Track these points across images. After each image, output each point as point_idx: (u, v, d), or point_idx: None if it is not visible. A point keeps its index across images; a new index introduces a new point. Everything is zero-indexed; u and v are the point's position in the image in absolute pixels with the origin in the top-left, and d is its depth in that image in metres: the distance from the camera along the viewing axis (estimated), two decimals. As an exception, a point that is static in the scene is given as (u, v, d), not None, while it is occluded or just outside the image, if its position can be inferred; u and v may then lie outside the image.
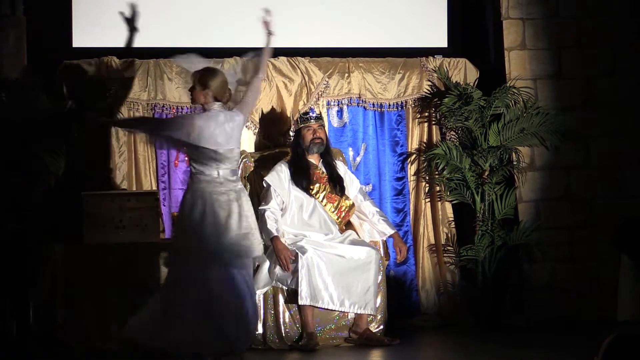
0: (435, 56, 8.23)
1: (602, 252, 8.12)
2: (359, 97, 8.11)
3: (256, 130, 7.92)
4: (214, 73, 6.52)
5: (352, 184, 7.55)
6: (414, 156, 8.19)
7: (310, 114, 7.46)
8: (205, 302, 6.18)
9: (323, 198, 7.38)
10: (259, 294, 7.17)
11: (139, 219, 7.11)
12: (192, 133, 6.30)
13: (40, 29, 7.66)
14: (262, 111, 7.94)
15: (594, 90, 8.27)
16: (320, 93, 8.02)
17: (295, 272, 7.06)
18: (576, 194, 8.25)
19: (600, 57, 8.28)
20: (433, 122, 8.19)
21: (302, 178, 7.34)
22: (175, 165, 7.83)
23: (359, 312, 7.17)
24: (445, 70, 8.08)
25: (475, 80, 8.17)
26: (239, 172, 6.76)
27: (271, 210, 7.22)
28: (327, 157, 7.46)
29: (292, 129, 7.64)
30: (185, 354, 6.21)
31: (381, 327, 7.30)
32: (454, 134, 8.07)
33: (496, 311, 7.88)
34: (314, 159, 7.43)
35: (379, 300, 7.26)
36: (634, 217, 8.01)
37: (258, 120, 7.93)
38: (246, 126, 7.88)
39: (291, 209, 7.35)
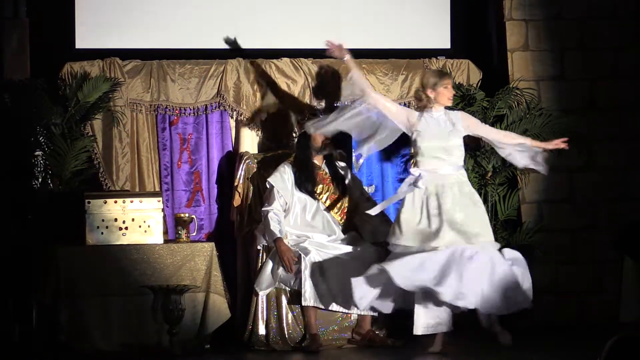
0: (439, 57, 8.22)
1: (605, 254, 8.12)
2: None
3: (259, 132, 7.92)
4: None
5: (355, 185, 7.55)
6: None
7: (319, 114, 7.47)
8: None
9: (326, 199, 7.38)
10: (262, 295, 7.18)
11: (141, 220, 7.12)
12: None
13: (43, 30, 7.67)
14: (265, 112, 7.94)
15: (597, 91, 8.27)
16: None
17: (298, 273, 7.07)
18: (579, 195, 8.24)
19: (603, 58, 8.27)
20: (436, 124, 8.18)
21: (308, 182, 7.33)
22: (178, 166, 7.84)
23: (362, 313, 7.17)
24: (449, 71, 8.07)
25: (478, 82, 8.17)
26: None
27: (274, 211, 7.22)
28: (329, 156, 7.46)
29: (295, 131, 7.63)
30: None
31: (384, 328, 7.30)
32: (457, 135, 8.06)
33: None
34: (317, 160, 7.43)
35: (381, 301, 7.27)
36: (636, 219, 8.01)
37: (260, 122, 7.92)
38: (249, 127, 7.89)
39: (294, 210, 7.35)
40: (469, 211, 6.89)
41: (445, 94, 6.98)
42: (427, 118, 6.98)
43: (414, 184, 6.91)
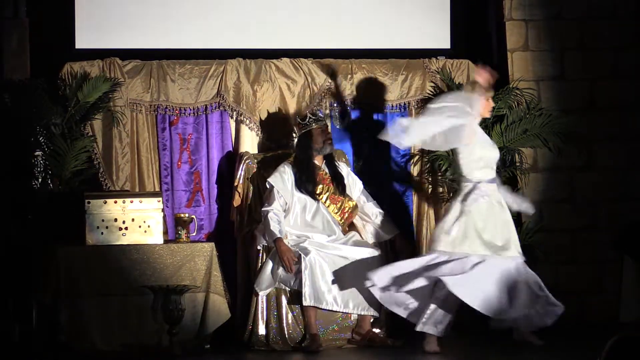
0: (438, 57, 8.22)
1: (605, 254, 8.12)
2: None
3: (259, 132, 7.92)
4: None
5: (355, 185, 7.55)
6: (416, 157, 8.18)
7: (320, 114, 7.47)
8: None
9: (326, 199, 7.38)
10: (262, 296, 7.18)
11: (141, 220, 7.12)
12: None
13: (43, 30, 7.67)
14: (265, 112, 7.94)
15: (597, 91, 8.27)
16: (323, 94, 8.01)
17: (298, 273, 7.07)
18: (579, 195, 8.24)
19: (603, 58, 8.27)
20: (436, 124, 8.17)
21: (309, 182, 7.33)
22: (178, 166, 7.84)
23: (362, 313, 7.18)
24: (448, 71, 8.07)
25: (478, 82, 8.16)
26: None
27: (274, 211, 7.22)
28: (329, 156, 7.46)
29: (294, 131, 7.62)
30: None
31: (384, 328, 7.30)
32: (457, 135, 8.05)
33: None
34: (317, 160, 7.42)
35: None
36: (636, 219, 8.01)
37: (260, 122, 7.92)
38: (249, 127, 7.89)
39: (294, 210, 7.35)
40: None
41: (487, 106, 7.08)
42: (476, 128, 7.05)
43: (483, 195, 6.95)
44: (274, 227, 7.14)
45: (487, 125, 7.89)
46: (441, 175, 8.04)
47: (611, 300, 8.04)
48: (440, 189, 8.12)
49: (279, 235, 7.13)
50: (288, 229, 7.31)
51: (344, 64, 8.09)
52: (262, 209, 7.26)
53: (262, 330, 7.17)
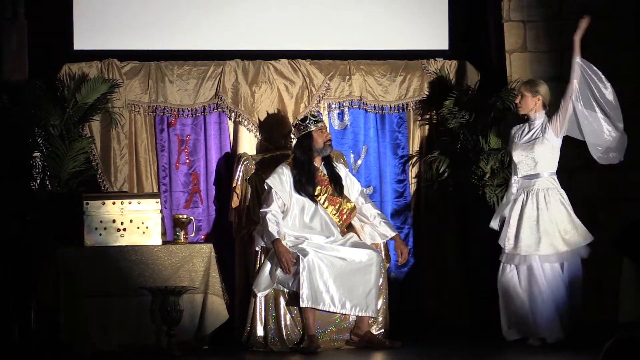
0: (437, 58, 8.22)
1: (604, 254, 8.10)
2: (360, 100, 8.11)
3: (257, 133, 7.92)
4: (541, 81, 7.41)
5: (353, 187, 7.54)
6: (415, 158, 8.18)
7: (320, 116, 7.48)
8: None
9: (325, 200, 7.38)
10: (260, 297, 7.17)
11: (140, 221, 7.12)
12: None
13: (42, 31, 7.67)
14: (263, 113, 7.94)
15: (596, 92, 8.25)
16: (321, 95, 8.02)
17: (296, 274, 7.06)
18: (578, 196, 8.22)
19: (602, 59, 8.25)
20: (434, 125, 8.18)
21: (309, 184, 7.32)
22: (176, 167, 7.84)
23: (360, 314, 7.18)
24: (447, 72, 8.07)
25: (477, 83, 8.16)
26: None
27: (272, 212, 7.21)
28: (327, 157, 7.46)
29: (293, 132, 7.62)
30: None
31: (382, 329, 7.30)
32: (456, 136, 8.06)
33: (498, 314, 7.86)
34: (316, 161, 7.42)
35: (380, 302, 7.26)
36: (636, 219, 7.99)
37: (259, 123, 7.92)
38: (247, 129, 7.89)
39: (292, 211, 7.35)
40: None
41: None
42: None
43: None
44: (272, 228, 7.14)
45: (485, 126, 7.90)
46: (438, 177, 8.04)
47: (611, 300, 8.03)
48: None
49: (277, 237, 7.12)
50: (286, 230, 7.30)
51: (342, 65, 8.09)
52: (261, 210, 7.26)
53: (260, 331, 7.17)
